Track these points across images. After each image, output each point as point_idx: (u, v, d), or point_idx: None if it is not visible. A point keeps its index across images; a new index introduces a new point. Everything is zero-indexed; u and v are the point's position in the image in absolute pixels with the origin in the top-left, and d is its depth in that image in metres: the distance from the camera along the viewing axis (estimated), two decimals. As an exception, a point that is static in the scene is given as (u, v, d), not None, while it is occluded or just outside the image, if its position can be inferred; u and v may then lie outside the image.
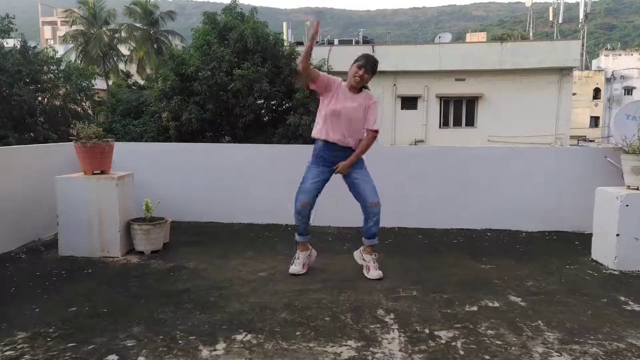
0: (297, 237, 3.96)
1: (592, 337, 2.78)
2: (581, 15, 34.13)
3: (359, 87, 3.76)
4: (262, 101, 17.00)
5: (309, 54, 3.59)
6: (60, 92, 17.23)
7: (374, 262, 3.84)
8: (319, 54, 18.01)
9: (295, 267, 3.87)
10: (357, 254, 4.00)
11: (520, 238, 5.17)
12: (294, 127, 15.76)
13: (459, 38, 52.61)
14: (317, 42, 3.67)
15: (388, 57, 18.73)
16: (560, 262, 4.27)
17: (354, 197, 3.90)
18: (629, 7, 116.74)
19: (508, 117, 18.30)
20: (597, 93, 42.87)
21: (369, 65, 3.70)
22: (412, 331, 2.84)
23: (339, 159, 3.80)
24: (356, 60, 3.74)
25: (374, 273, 3.78)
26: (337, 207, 5.57)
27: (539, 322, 2.98)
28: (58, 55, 17.77)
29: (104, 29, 29.81)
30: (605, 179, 4.93)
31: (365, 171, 3.87)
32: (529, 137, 17.25)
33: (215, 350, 2.60)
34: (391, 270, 3.99)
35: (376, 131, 3.82)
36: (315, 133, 3.84)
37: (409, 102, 19.44)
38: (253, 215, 5.73)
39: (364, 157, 3.88)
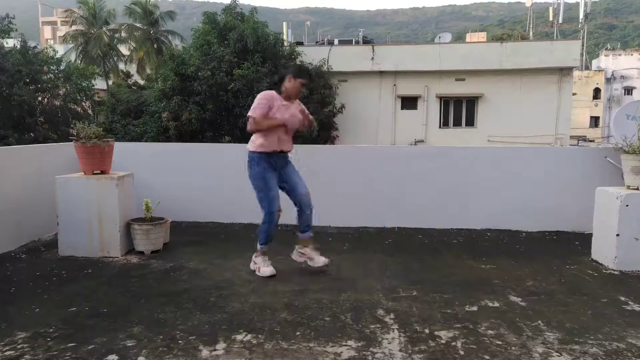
0: (262, 247, 3.93)
1: (592, 337, 2.78)
2: (581, 15, 34.09)
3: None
4: (262, 101, 16.98)
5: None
6: (60, 92, 17.23)
7: (314, 250, 3.98)
8: (319, 54, 18.03)
9: (269, 268, 3.85)
10: (295, 255, 4.06)
11: (520, 238, 5.17)
12: (294, 127, 15.74)
13: (459, 38, 52.58)
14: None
15: (388, 57, 18.75)
16: (560, 262, 4.27)
17: (286, 191, 3.98)
18: (629, 7, 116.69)
19: (508, 117, 18.27)
20: (597, 93, 42.85)
21: (310, 82, 4.10)
22: (412, 331, 2.84)
23: (280, 163, 3.93)
24: (297, 76, 3.86)
25: (320, 259, 3.92)
26: (337, 207, 5.58)
27: (539, 322, 2.98)
28: (58, 55, 17.77)
29: (104, 29, 29.79)
30: (605, 179, 4.93)
31: (293, 165, 4.04)
32: (529, 137, 17.23)
33: (215, 350, 2.60)
34: (391, 270, 4.00)
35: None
36: (262, 147, 3.82)
37: (409, 102, 19.40)
38: (253, 215, 5.66)
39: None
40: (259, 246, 3.95)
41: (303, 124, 4.00)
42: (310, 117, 4.10)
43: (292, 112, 3.88)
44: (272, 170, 3.88)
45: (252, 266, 3.98)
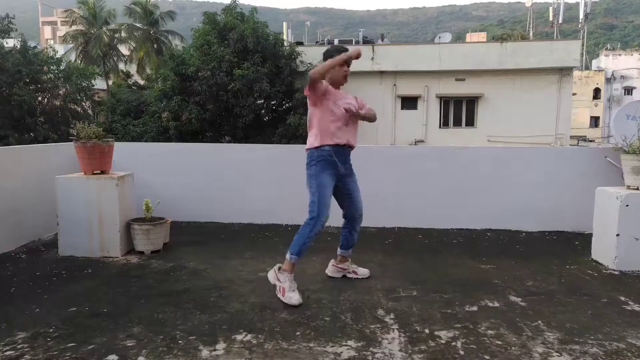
0: (294, 259, 3.35)
1: (592, 337, 2.78)
2: (581, 15, 34.12)
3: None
4: (262, 101, 17.02)
5: (329, 70, 3.40)
6: (60, 92, 17.23)
7: (352, 263, 3.87)
8: (319, 54, 18.01)
9: (296, 295, 3.24)
10: (332, 270, 3.83)
11: (520, 238, 5.17)
12: (294, 127, 15.79)
13: (459, 38, 52.62)
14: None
15: (388, 57, 18.76)
16: (560, 262, 4.27)
17: (341, 204, 3.73)
18: (629, 7, 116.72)
19: (508, 117, 18.30)
20: (597, 93, 42.89)
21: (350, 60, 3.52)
22: (412, 331, 2.84)
23: (346, 162, 3.59)
24: (332, 57, 3.45)
25: (364, 271, 3.83)
26: (337, 207, 5.57)
27: (539, 322, 2.98)
28: (58, 55, 17.77)
29: (104, 29, 29.81)
30: (605, 179, 4.93)
31: (356, 178, 3.75)
32: (529, 137, 17.25)
33: (215, 350, 2.60)
34: (391, 270, 4.00)
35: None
36: (323, 141, 3.45)
37: (409, 102, 19.42)
38: (253, 215, 5.72)
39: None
40: (288, 256, 3.37)
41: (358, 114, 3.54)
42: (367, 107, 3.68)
43: (348, 101, 3.56)
44: (331, 172, 3.48)
45: (272, 280, 3.37)
